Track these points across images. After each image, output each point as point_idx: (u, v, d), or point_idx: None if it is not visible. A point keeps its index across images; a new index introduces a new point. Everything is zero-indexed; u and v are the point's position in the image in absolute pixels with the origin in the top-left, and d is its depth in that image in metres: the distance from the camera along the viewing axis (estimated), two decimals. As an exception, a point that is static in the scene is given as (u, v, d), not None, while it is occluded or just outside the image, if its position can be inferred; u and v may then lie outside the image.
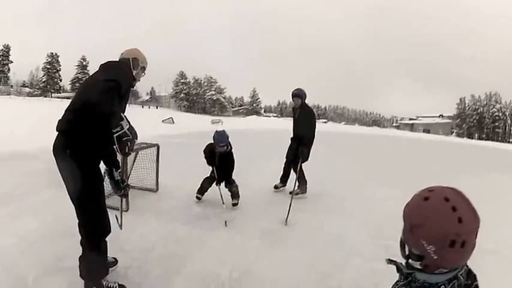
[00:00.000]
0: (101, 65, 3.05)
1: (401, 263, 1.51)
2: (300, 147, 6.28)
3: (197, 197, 5.88)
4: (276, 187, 6.91)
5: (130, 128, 2.67)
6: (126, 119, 2.69)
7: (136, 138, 2.80)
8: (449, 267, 1.32)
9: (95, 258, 2.97)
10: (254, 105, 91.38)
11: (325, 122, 73.53)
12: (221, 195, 5.43)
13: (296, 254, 4.12)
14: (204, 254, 4.03)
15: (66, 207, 4.17)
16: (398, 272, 1.53)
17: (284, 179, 6.95)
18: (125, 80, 2.88)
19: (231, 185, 5.80)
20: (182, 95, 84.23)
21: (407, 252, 1.47)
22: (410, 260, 1.44)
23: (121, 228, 4.29)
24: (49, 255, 3.71)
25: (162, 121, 33.16)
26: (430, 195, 1.34)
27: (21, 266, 3.46)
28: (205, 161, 5.74)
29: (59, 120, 2.89)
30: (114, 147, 2.64)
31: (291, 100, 6.68)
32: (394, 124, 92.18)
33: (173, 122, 33.67)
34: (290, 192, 6.36)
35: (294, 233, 4.80)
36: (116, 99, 2.63)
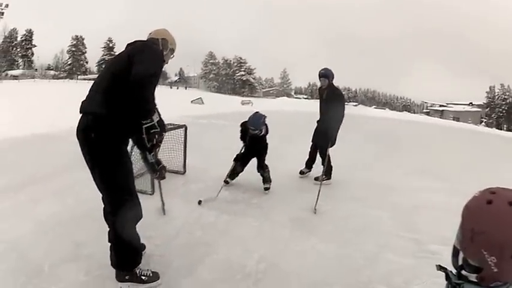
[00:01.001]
0: (129, 44, 2.98)
1: (451, 271, 1.34)
2: (327, 130, 6.10)
3: (225, 181, 5.76)
4: (301, 172, 6.73)
5: (160, 121, 2.77)
6: (158, 111, 2.79)
7: (165, 131, 2.88)
8: (506, 280, 1.20)
9: (127, 246, 2.90)
10: (284, 86, 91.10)
11: (355, 105, 72.46)
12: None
13: (325, 245, 3.97)
14: (231, 242, 3.93)
15: (90, 190, 4.13)
16: (446, 280, 1.36)
17: (309, 164, 6.76)
18: (160, 63, 2.86)
19: (263, 170, 5.69)
20: (212, 75, 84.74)
21: (460, 262, 1.29)
22: (464, 271, 1.27)
23: (164, 213, 4.53)
24: (68, 241, 3.68)
25: (191, 101, 33.51)
26: (493, 198, 1.18)
27: (38, 252, 3.44)
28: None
29: (83, 102, 2.80)
30: (143, 137, 2.73)
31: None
32: (424, 110, 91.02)
33: (202, 103, 33.98)
34: (315, 179, 6.27)
35: (324, 222, 4.65)
36: (154, 88, 2.70)
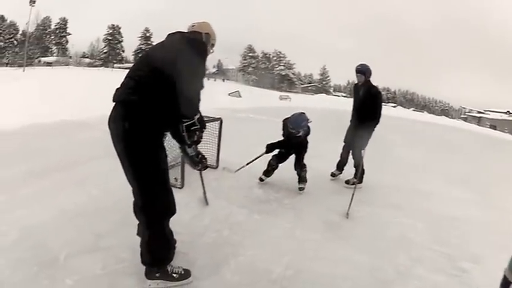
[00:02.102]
0: (171, 34, 2.96)
1: None
2: (361, 131, 5.93)
3: (260, 179, 5.73)
4: (332, 175, 6.57)
5: (200, 118, 2.80)
6: None
7: (205, 128, 2.98)
8: None
9: (158, 243, 2.87)
10: (323, 83, 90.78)
11: (394, 107, 71.48)
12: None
13: (357, 254, 3.84)
14: (259, 244, 3.85)
15: (116, 180, 4.13)
16: None
17: (341, 165, 6.59)
18: (205, 61, 2.91)
19: (300, 168, 5.60)
20: (250, 69, 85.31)
21: None
22: None
23: (207, 204, 4.72)
24: (88, 232, 3.68)
25: (229, 94, 33.84)
26: None
27: (55, 241, 3.43)
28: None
29: (117, 89, 2.77)
30: (183, 134, 2.81)
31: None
32: (461, 115, 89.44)
33: (240, 96, 34.24)
34: (346, 182, 6.18)
35: (357, 229, 4.53)
36: (201, 87, 2.72)
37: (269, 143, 5.61)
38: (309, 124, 5.45)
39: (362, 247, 3.99)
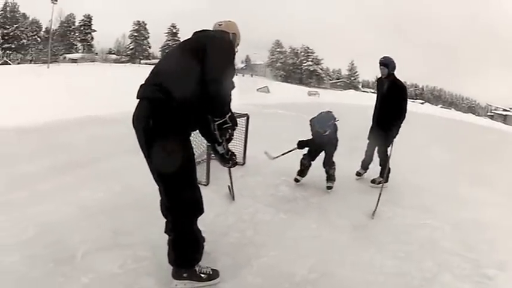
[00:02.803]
0: (197, 32, 2.96)
1: None
2: (387, 128, 5.78)
3: (295, 179, 5.68)
4: (358, 174, 6.42)
5: (231, 116, 2.80)
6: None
7: (237, 126, 2.99)
8: None
9: (186, 243, 2.86)
10: (352, 78, 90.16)
11: (422, 103, 70.33)
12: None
13: (384, 258, 3.75)
14: (283, 245, 3.79)
15: (139, 176, 4.13)
16: None
17: (366, 164, 6.43)
18: (234, 61, 2.89)
19: (329, 166, 5.53)
20: (278, 64, 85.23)
21: None
22: None
23: (233, 199, 4.79)
24: (107, 229, 3.68)
25: (257, 90, 34.04)
26: None
27: (73, 238, 3.45)
28: None
29: (141, 86, 2.75)
30: (215, 133, 2.83)
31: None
32: (488, 113, 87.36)
33: (268, 92, 34.42)
34: (372, 181, 6.06)
35: (385, 231, 4.44)
36: (232, 87, 2.74)
37: (300, 139, 5.54)
38: (337, 122, 5.40)
39: (389, 251, 3.92)
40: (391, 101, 5.79)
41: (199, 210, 2.90)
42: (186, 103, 2.59)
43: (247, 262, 3.37)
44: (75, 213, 4.02)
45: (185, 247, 2.86)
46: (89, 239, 3.44)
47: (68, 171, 5.38)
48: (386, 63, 5.83)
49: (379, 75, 5.96)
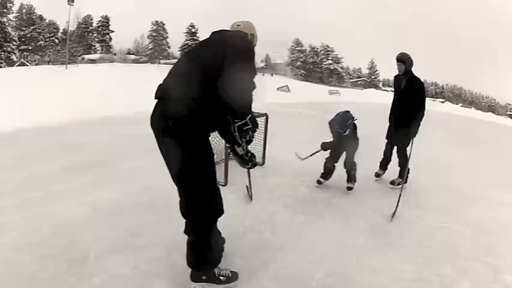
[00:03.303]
0: (215, 32, 2.93)
1: None
2: (406, 127, 5.64)
3: (318, 181, 5.62)
4: (377, 175, 6.30)
5: (252, 118, 2.75)
6: None
7: (257, 127, 2.93)
8: None
9: (206, 245, 2.83)
10: (372, 77, 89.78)
11: (442, 102, 69.59)
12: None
13: (402, 263, 3.67)
14: (301, 248, 3.74)
15: (155, 176, 4.14)
16: None
17: (384, 165, 6.31)
18: (254, 59, 2.85)
19: (350, 166, 5.48)
20: (298, 63, 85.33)
21: None
22: None
23: (251, 199, 4.79)
24: (122, 230, 3.69)
25: (277, 89, 34.13)
26: None
27: (87, 238, 3.47)
28: None
29: (160, 86, 2.75)
30: (235, 134, 2.74)
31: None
32: (507, 112, 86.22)
33: (288, 91, 34.58)
34: (391, 182, 5.93)
35: (404, 234, 4.35)
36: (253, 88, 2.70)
37: (323, 141, 5.48)
38: (356, 121, 5.32)
39: (407, 255, 3.86)
40: (409, 98, 5.68)
41: (219, 211, 2.88)
42: (206, 104, 2.57)
43: (263, 265, 3.33)
44: (90, 213, 4.05)
45: (204, 249, 2.84)
46: (102, 240, 3.45)
47: (84, 171, 5.44)
48: (403, 60, 5.71)
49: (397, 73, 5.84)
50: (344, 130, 5.14)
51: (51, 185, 4.77)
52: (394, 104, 6.05)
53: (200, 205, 2.74)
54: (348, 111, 5.33)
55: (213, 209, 2.81)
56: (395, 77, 6.00)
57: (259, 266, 3.30)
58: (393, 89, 6.16)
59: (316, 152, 5.54)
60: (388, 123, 6.15)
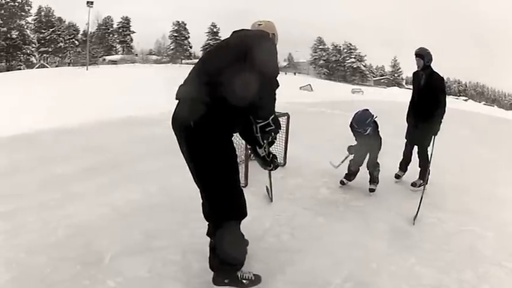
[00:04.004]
0: (236, 32, 2.94)
1: None
2: (427, 126, 5.51)
3: (341, 182, 5.57)
4: (397, 176, 6.13)
5: (275, 118, 2.77)
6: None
7: (280, 128, 2.99)
8: None
9: (230, 247, 2.80)
10: (395, 75, 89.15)
11: (465, 100, 68.62)
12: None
13: (423, 267, 3.60)
14: (320, 251, 3.69)
15: (175, 177, 4.16)
16: None
17: (404, 165, 6.15)
18: (277, 58, 2.88)
19: (373, 167, 5.40)
20: (321, 61, 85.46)
21: None
22: None
23: (271, 201, 4.78)
24: (139, 232, 3.70)
25: (300, 88, 34.32)
26: None
27: (103, 240, 3.49)
28: None
29: (181, 86, 2.74)
30: (257, 135, 2.79)
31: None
32: None
33: (311, 90, 34.68)
34: (412, 184, 5.75)
35: (426, 238, 4.26)
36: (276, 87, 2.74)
37: (349, 145, 5.43)
38: (376, 119, 5.23)
39: (428, 259, 3.78)
40: (429, 95, 5.54)
41: (243, 213, 2.86)
42: (228, 104, 2.54)
43: (280, 268, 3.30)
44: (107, 215, 4.08)
45: (227, 252, 2.80)
46: (119, 242, 3.47)
47: (103, 172, 5.49)
48: (422, 54, 5.56)
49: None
50: (364, 129, 5.08)
51: (69, 186, 4.82)
52: (412, 102, 5.92)
53: (223, 207, 2.73)
54: (367, 110, 5.26)
55: (236, 210, 2.79)
56: (414, 73, 5.87)
57: (276, 269, 3.27)
58: (412, 87, 6.04)
59: (346, 157, 5.51)
60: (406, 122, 6.02)
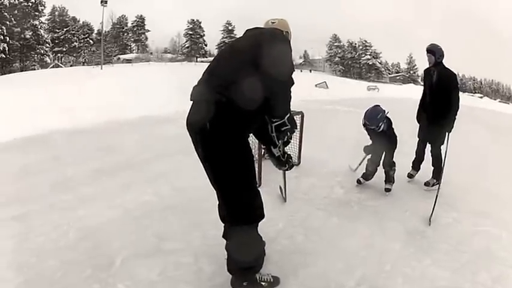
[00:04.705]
0: (249, 30, 2.94)
1: None
2: (440, 123, 5.41)
3: (358, 181, 5.52)
4: (410, 176, 6.02)
5: (291, 117, 2.76)
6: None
7: (296, 128, 3.01)
8: None
9: (248, 250, 2.77)
10: (411, 72, 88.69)
11: (481, 97, 67.92)
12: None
13: (438, 269, 3.54)
14: (333, 253, 3.64)
15: (188, 178, 4.14)
16: None
17: (417, 164, 6.04)
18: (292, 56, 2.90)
19: (388, 166, 5.33)
20: (337, 58, 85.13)
21: None
22: None
23: (285, 201, 4.75)
24: (151, 234, 3.69)
25: (316, 85, 34.31)
26: None
27: (114, 243, 3.49)
28: None
29: (195, 87, 2.72)
30: (272, 135, 2.80)
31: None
32: None
33: (327, 87, 34.71)
34: (425, 184, 5.65)
35: (441, 239, 4.20)
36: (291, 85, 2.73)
37: (365, 145, 5.41)
38: (388, 115, 5.15)
39: (444, 261, 3.72)
40: (442, 91, 5.45)
41: (260, 215, 2.82)
42: (244, 104, 2.51)
43: (293, 271, 3.26)
44: (119, 217, 4.08)
45: (246, 254, 2.77)
46: (130, 245, 3.47)
47: (115, 173, 5.51)
48: (433, 50, 5.48)
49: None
50: (377, 125, 5.01)
51: (81, 188, 4.84)
52: (423, 99, 5.84)
53: (240, 209, 2.70)
54: (378, 105, 5.19)
55: (253, 212, 2.76)
56: (426, 70, 5.79)
57: (289, 271, 3.24)
58: (423, 84, 5.95)
59: (364, 158, 5.50)
60: (416, 121, 5.96)
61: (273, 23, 3.11)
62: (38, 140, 7.59)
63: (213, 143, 2.55)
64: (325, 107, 14.88)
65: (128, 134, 8.30)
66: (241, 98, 2.47)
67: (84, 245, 3.42)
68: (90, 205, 4.33)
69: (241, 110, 2.50)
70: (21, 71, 50.45)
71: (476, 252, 3.93)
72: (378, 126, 5.00)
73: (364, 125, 5.10)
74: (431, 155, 5.73)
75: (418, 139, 5.95)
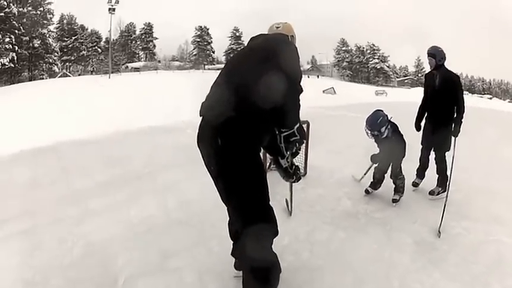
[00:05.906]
0: (254, 38, 2.94)
1: None
2: (445, 128, 5.32)
3: (366, 191, 5.44)
4: (415, 184, 5.91)
5: (299, 128, 2.74)
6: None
7: (305, 139, 2.95)
8: None
9: (263, 270, 2.66)
10: (419, 75, 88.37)
11: (490, 98, 67.53)
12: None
13: (448, 283, 3.47)
14: (340, 269, 3.58)
15: (195, 190, 4.11)
16: None
17: (421, 172, 5.93)
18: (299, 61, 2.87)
19: (395, 176, 5.24)
20: (345, 63, 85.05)
21: None
22: None
23: (290, 215, 4.64)
24: (155, 251, 3.66)
25: (323, 91, 34.32)
26: None
27: (118, 260, 3.46)
28: None
29: (204, 103, 2.69)
30: (281, 146, 2.76)
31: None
32: None
33: (334, 93, 34.78)
34: (430, 193, 5.54)
35: (451, 250, 4.12)
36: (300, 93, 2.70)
37: (372, 154, 5.31)
38: (392, 120, 5.07)
39: (454, 274, 3.65)
40: (447, 94, 5.33)
41: (274, 232, 2.75)
42: (257, 117, 2.50)
43: (299, 288, 3.19)
44: (124, 232, 4.06)
45: (261, 275, 2.67)
46: (134, 262, 3.45)
47: (121, 186, 5.50)
48: (433, 53, 5.38)
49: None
50: (379, 130, 4.91)
51: (87, 202, 4.83)
52: (424, 105, 5.73)
53: (256, 225, 2.61)
54: (380, 110, 5.11)
55: (268, 230, 2.67)
56: (427, 74, 5.71)
57: (295, 288, 3.17)
58: (424, 89, 5.85)
59: (370, 167, 5.45)
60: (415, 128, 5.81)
61: (278, 27, 3.10)
62: (46, 151, 7.63)
63: (227, 158, 2.51)
64: (331, 113, 14.86)
65: (137, 145, 8.31)
66: (253, 111, 2.46)
67: (88, 262, 3.41)
68: (95, 220, 4.32)
69: (253, 124, 2.48)
70: (30, 80, 50.87)
71: (487, 263, 3.87)
72: (381, 132, 4.91)
73: (367, 133, 5.01)
74: (436, 162, 5.63)
75: (421, 146, 5.83)
